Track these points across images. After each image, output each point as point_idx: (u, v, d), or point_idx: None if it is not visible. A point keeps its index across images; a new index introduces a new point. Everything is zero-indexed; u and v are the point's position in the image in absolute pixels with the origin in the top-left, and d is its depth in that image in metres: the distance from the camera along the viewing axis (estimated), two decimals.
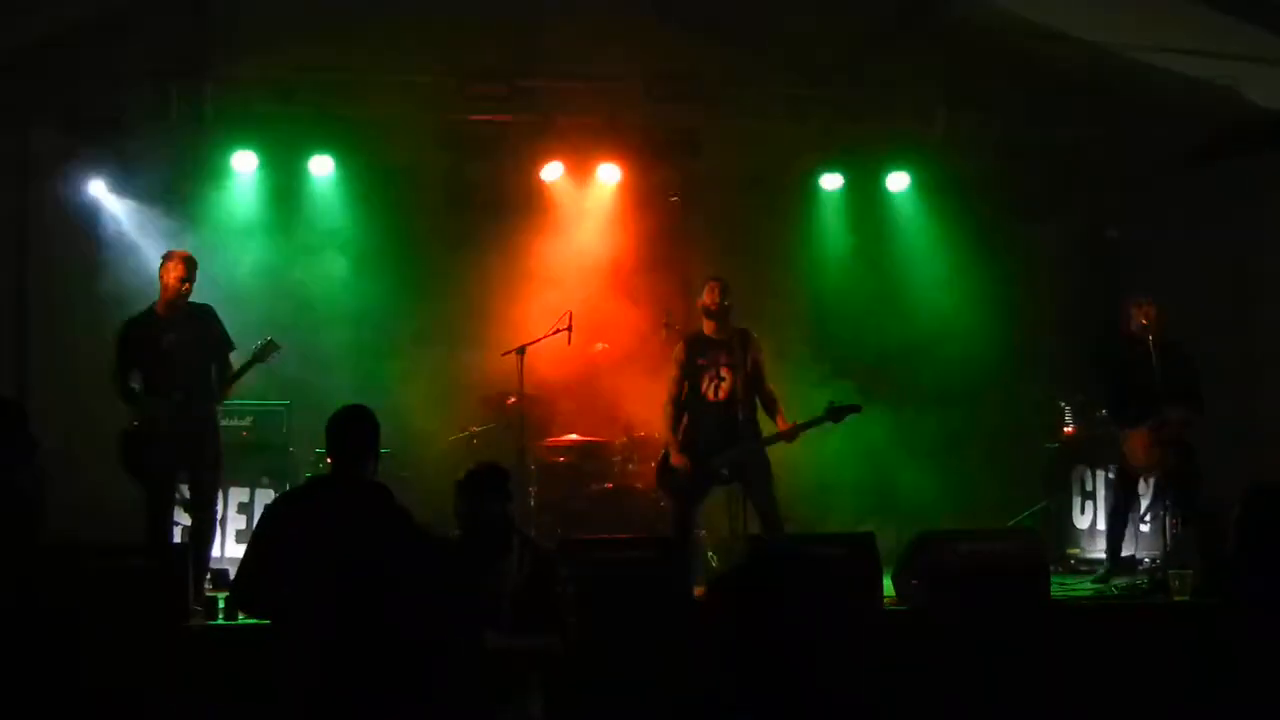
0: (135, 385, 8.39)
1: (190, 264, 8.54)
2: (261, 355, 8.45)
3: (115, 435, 8.29)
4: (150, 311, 8.56)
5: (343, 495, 5.26)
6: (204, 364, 8.49)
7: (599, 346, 10.85)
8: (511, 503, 5.74)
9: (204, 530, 8.51)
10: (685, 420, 8.78)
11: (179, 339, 8.43)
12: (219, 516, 9.21)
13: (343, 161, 11.19)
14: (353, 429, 5.35)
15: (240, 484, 9.81)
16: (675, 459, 8.67)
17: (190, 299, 8.57)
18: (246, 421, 10.01)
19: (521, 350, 9.84)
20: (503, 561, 5.60)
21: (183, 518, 8.64)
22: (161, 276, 8.50)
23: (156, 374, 8.36)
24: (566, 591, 5.77)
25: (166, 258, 8.58)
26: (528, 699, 5.51)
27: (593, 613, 7.07)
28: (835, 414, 8.50)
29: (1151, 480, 9.33)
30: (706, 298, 8.82)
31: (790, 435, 8.56)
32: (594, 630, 6.71)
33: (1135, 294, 9.39)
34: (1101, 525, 10.21)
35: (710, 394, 8.70)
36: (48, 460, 7.45)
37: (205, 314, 8.64)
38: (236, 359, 8.57)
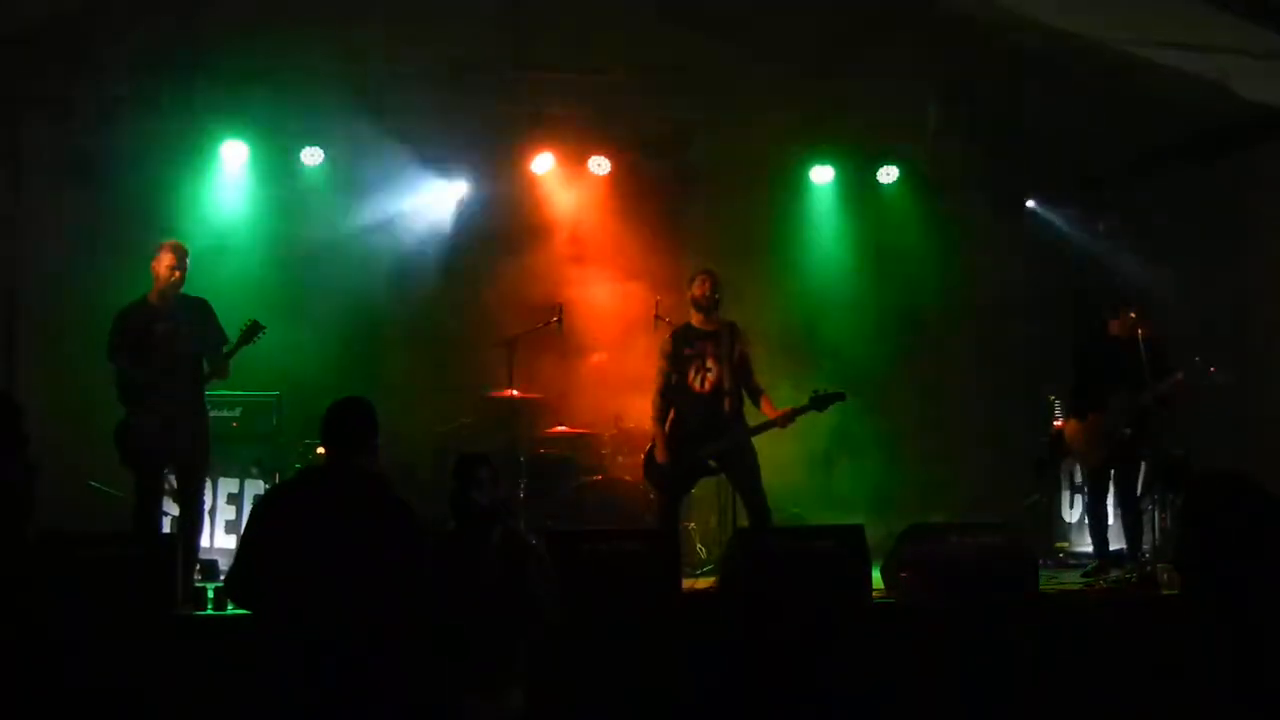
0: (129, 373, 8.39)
1: (181, 253, 8.54)
2: (247, 337, 8.42)
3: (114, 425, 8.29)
4: (143, 301, 8.55)
5: (337, 487, 5.25)
6: (195, 354, 8.47)
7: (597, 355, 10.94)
8: (483, 490, 5.73)
9: (192, 521, 8.51)
10: (672, 412, 8.78)
11: (171, 328, 8.42)
12: (208, 507, 9.20)
13: (333, 153, 11.17)
14: (347, 420, 5.35)
15: (230, 475, 9.80)
16: (660, 451, 8.68)
17: (184, 290, 8.58)
18: (236, 412, 9.97)
19: (511, 342, 9.84)
20: (480, 550, 5.59)
21: (171, 508, 8.64)
22: (153, 266, 8.49)
23: (147, 363, 8.35)
24: (545, 582, 5.76)
25: (158, 248, 8.58)
26: (510, 690, 5.50)
27: (580, 604, 7.08)
28: (820, 402, 8.53)
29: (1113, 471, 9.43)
30: (696, 290, 8.82)
31: (778, 423, 8.57)
32: (581, 621, 6.71)
33: (1112, 302, 9.52)
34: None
35: (696, 385, 8.70)
36: (39, 452, 7.45)
37: (200, 307, 8.62)
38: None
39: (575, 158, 11.58)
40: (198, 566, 8.55)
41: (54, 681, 6.40)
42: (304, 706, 4.88)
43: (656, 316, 10.02)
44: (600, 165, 11.58)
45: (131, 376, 8.33)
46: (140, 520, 8.20)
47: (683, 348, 8.78)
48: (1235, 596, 3.20)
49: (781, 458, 9.52)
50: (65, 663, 6.47)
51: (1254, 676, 3.12)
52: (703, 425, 8.61)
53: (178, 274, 8.48)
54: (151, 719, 6.52)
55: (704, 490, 9.18)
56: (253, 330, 8.41)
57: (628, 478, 10.00)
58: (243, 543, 5.30)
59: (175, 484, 8.57)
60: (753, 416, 8.75)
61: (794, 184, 12.08)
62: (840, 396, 8.61)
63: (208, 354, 8.49)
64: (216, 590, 7.44)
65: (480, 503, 5.68)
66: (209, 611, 7.41)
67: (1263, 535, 3.22)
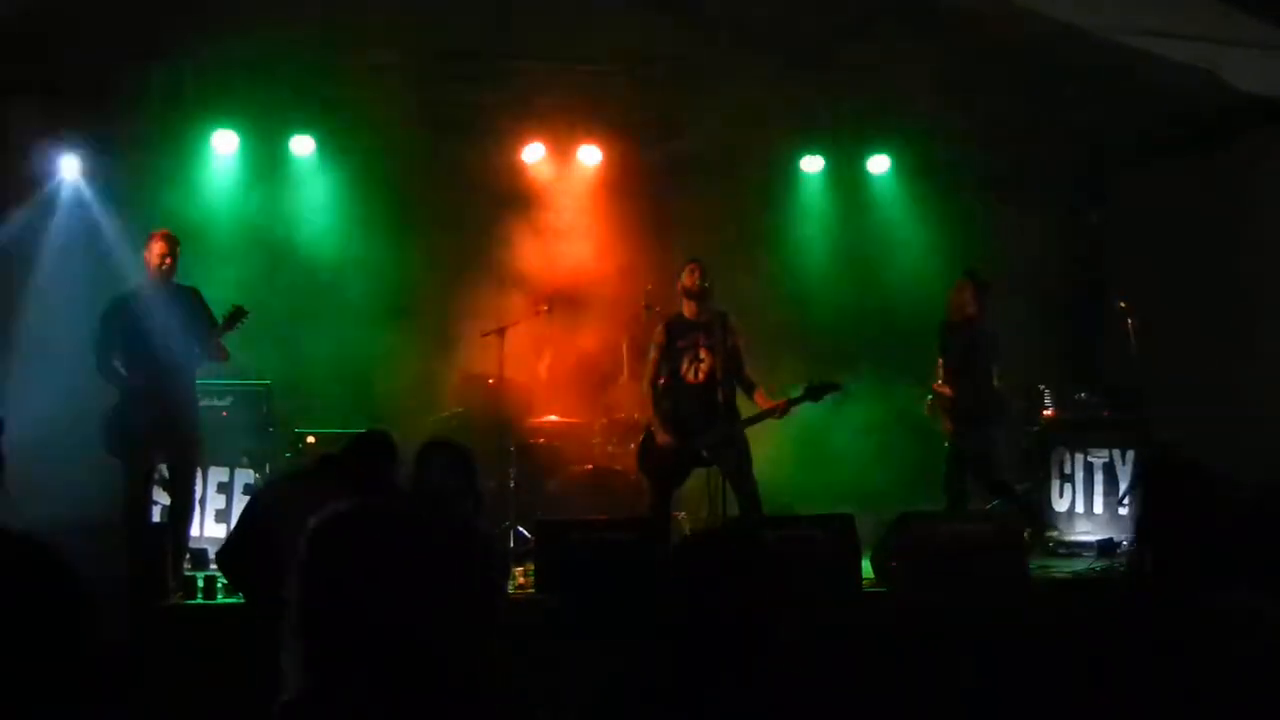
0: (118, 364, 8.36)
1: (172, 242, 8.53)
2: (230, 323, 8.38)
3: (99, 414, 8.26)
4: (134, 291, 8.54)
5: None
6: (186, 344, 8.46)
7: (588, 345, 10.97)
8: (432, 476, 5.69)
9: (183, 510, 8.50)
10: (666, 402, 8.78)
11: (162, 319, 8.40)
12: (198, 496, 9.19)
13: (323, 142, 11.16)
14: (370, 456, 5.39)
15: (219, 464, 9.76)
16: (660, 433, 8.67)
17: (175, 278, 8.57)
18: (226, 401, 9.94)
19: (501, 331, 9.84)
20: (421, 536, 5.55)
21: (161, 497, 8.63)
22: (145, 255, 8.49)
23: (138, 353, 8.34)
24: (500, 577, 5.74)
25: (149, 237, 8.56)
26: (473, 684, 5.48)
27: (570, 594, 7.09)
28: (815, 393, 8.54)
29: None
30: (686, 280, 8.83)
31: (774, 414, 8.58)
32: (571, 611, 6.72)
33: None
34: (1080, 508, 10.32)
35: (690, 376, 8.70)
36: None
37: (191, 295, 8.62)
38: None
39: (565, 147, 11.58)
40: (188, 555, 8.54)
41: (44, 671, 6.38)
42: (299, 693, 4.88)
43: (646, 306, 10.03)
44: (590, 155, 11.59)
45: (119, 368, 8.32)
46: (130, 510, 8.19)
47: (675, 339, 8.78)
48: (1181, 584, 3.20)
49: (772, 448, 9.52)
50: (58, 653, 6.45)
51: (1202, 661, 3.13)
52: (697, 416, 8.61)
53: (169, 262, 8.47)
54: (141, 708, 6.51)
55: (694, 480, 9.18)
56: (236, 315, 8.39)
57: (618, 467, 10.00)
58: (245, 513, 5.28)
59: (165, 473, 8.56)
60: (745, 408, 8.76)
61: (784, 173, 12.08)
62: (836, 387, 8.63)
63: (200, 341, 8.48)
64: (207, 579, 7.44)
65: (427, 488, 5.61)
66: (199, 600, 7.41)
67: (1210, 524, 3.23)
